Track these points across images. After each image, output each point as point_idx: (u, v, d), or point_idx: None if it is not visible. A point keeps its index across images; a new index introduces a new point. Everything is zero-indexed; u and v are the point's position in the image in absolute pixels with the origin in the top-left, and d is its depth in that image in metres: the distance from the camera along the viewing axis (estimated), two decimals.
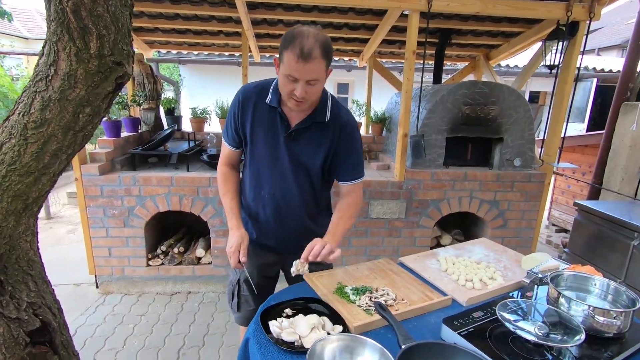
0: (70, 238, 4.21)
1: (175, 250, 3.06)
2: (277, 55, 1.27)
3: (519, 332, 0.95)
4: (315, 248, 1.26)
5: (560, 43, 2.81)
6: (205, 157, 3.21)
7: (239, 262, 1.36)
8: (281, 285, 1.52)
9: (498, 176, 3.08)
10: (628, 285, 2.28)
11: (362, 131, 4.34)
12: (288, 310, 1.16)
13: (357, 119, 2.67)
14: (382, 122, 3.89)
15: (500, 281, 1.38)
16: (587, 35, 2.80)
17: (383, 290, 1.28)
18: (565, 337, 0.95)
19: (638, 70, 3.27)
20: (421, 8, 2.62)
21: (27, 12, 12.23)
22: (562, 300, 1.09)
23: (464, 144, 3.22)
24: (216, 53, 5.47)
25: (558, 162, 3.07)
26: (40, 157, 0.96)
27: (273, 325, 1.05)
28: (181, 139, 3.71)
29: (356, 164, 1.45)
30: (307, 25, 1.21)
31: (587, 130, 9.64)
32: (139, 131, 3.48)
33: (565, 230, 4.59)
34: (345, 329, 1.07)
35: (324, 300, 1.22)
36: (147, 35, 3.95)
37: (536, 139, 3.25)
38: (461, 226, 3.63)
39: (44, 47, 0.91)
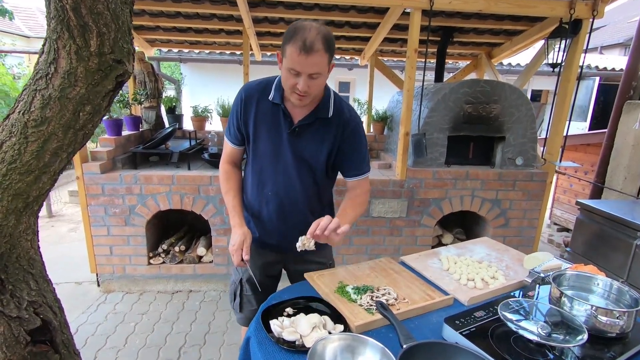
0: (71, 236, 4.21)
1: (177, 248, 3.06)
2: (278, 56, 1.27)
3: (521, 331, 0.95)
4: (322, 222, 1.21)
5: (563, 41, 2.79)
6: (206, 155, 3.20)
7: (242, 260, 1.35)
8: (283, 284, 1.52)
9: (500, 175, 3.07)
10: (630, 284, 2.27)
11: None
12: (289, 310, 1.15)
13: None
14: (384, 121, 3.88)
15: (502, 280, 1.38)
16: (590, 33, 2.78)
17: (384, 289, 1.27)
18: (567, 337, 0.94)
19: None
20: (423, 6, 2.61)
21: (29, 10, 12.24)
22: (564, 299, 1.09)
23: (465, 142, 3.21)
24: (217, 51, 5.47)
25: (560, 161, 3.06)
26: (41, 156, 0.96)
27: (274, 324, 1.05)
28: (182, 137, 3.71)
29: (362, 159, 1.45)
30: (310, 20, 1.21)
31: (589, 129, 9.61)
32: (140, 130, 3.48)
33: (567, 230, 4.58)
34: (347, 329, 1.06)
35: (325, 300, 1.21)
36: (148, 34, 3.95)
37: (538, 137, 3.23)
38: (462, 225, 3.63)
39: (44, 45, 0.90)
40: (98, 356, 2.32)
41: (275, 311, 1.15)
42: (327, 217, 1.22)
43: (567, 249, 2.87)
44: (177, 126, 3.47)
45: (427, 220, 3.12)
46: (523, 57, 7.61)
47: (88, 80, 0.92)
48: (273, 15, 3.36)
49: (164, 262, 3.03)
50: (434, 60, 3.93)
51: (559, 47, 2.83)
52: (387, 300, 1.20)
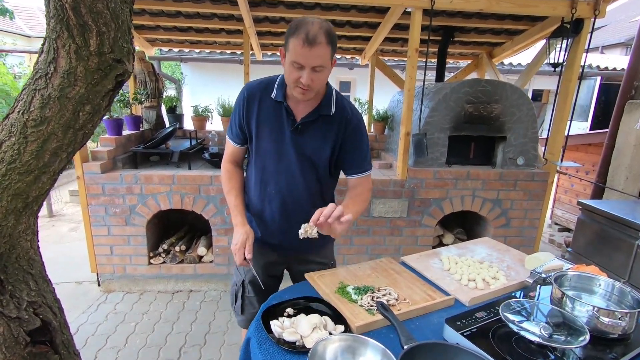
0: (72, 236, 4.21)
1: (177, 248, 3.06)
2: (281, 51, 1.27)
3: (522, 332, 0.94)
4: (325, 210, 1.19)
5: (565, 41, 2.79)
6: (207, 155, 3.20)
7: (245, 259, 1.34)
8: (285, 285, 1.51)
9: (501, 175, 3.06)
10: (632, 285, 2.26)
11: None
12: (290, 310, 1.15)
13: None
14: (385, 121, 3.88)
15: (503, 281, 1.37)
16: (591, 32, 2.77)
17: (385, 289, 1.27)
18: (569, 338, 0.94)
19: None
20: (424, 5, 2.60)
21: (29, 9, 12.25)
22: (566, 300, 1.08)
23: (466, 142, 3.20)
24: (218, 51, 5.47)
25: (561, 160, 3.05)
26: (40, 156, 0.95)
27: (274, 324, 1.05)
28: (183, 137, 3.70)
29: (363, 157, 1.45)
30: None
31: (590, 129, 9.59)
32: (141, 129, 3.48)
33: (568, 230, 4.57)
34: (347, 329, 1.06)
35: (325, 300, 1.21)
36: (148, 33, 3.94)
37: (539, 137, 3.23)
38: (463, 225, 3.62)
39: (43, 44, 0.90)
40: (98, 356, 2.32)
41: (276, 311, 1.14)
42: (330, 205, 1.20)
43: (568, 249, 2.86)
44: (177, 126, 3.47)
45: (428, 220, 3.12)
46: (524, 56, 7.59)
47: (88, 80, 0.92)
48: (274, 15, 3.35)
49: (164, 262, 3.03)
50: (434, 60, 3.92)
51: (561, 47, 2.82)
52: (387, 301, 1.20)
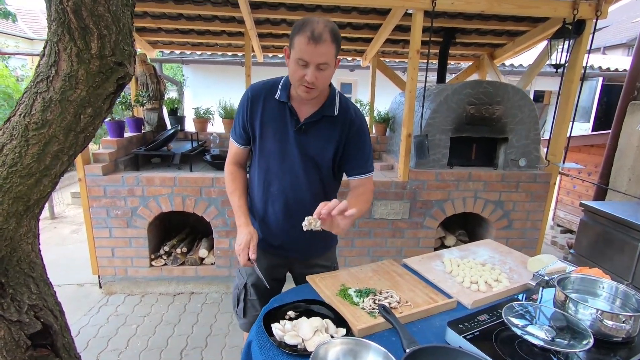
0: (74, 238, 4.22)
1: (178, 250, 3.06)
2: (285, 51, 1.28)
3: (525, 336, 0.94)
4: (330, 203, 1.19)
5: (566, 42, 2.78)
6: (208, 157, 3.20)
7: (249, 259, 1.34)
8: (287, 288, 1.51)
9: (503, 176, 3.06)
10: (635, 287, 2.25)
11: None
12: (291, 313, 1.15)
13: None
14: (386, 122, 3.87)
15: (505, 283, 1.37)
16: (593, 33, 2.76)
17: (387, 292, 1.26)
18: (572, 342, 0.93)
19: None
20: (425, 7, 2.60)
21: (32, 12, 12.30)
22: (569, 303, 1.07)
23: (468, 144, 3.20)
24: (219, 53, 5.47)
25: (564, 162, 3.04)
26: (42, 159, 0.95)
27: (276, 327, 1.04)
28: (184, 139, 3.71)
29: (366, 158, 1.45)
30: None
31: (592, 130, 9.57)
32: (142, 131, 3.48)
33: (571, 231, 4.55)
34: (349, 332, 1.05)
35: (327, 303, 1.21)
36: (150, 36, 3.95)
37: (541, 138, 3.21)
38: (465, 227, 3.61)
39: (44, 47, 0.90)
40: (100, 359, 2.32)
41: (277, 314, 1.14)
42: (334, 200, 1.20)
43: (571, 251, 2.85)
44: (179, 128, 3.48)
45: (430, 222, 3.11)
46: (525, 58, 7.59)
47: (89, 83, 0.91)
48: (275, 17, 3.36)
49: (165, 264, 3.03)
50: (436, 61, 3.92)
51: (562, 48, 2.81)
52: (389, 304, 1.19)
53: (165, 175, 2.83)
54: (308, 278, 1.39)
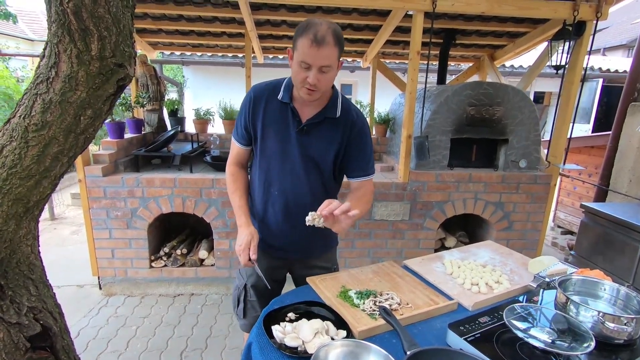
0: (74, 239, 4.22)
1: (178, 251, 3.05)
2: (289, 52, 1.28)
3: (527, 338, 0.93)
4: (333, 203, 1.19)
5: (567, 43, 2.78)
6: (208, 158, 3.20)
7: (250, 259, 1.34)
8: (287, 289, 1.50)
9: (503, 178, 3.05)
10: (636, 288, 2.25)
11: None
12: (291, 315, 1.14)
13: None
14: (386, 123, 3.87)
15: (506, 285, 1.36)
16: (593, 35, 2.76)
17: (387, 294, 1.26)
18: (573, 344, 0.93)
19: None
20: (425, 8, 2.60)
21: (33, 14, 12.32)
22: (570, 305, 1.07)
23: (468, 145, 3.19)
24: (220, 54, 5.48)
25: (564, 163, 3.04)
26: (41, 160, 0.95)
27: (276, 329, 1.04)
28: (184, 140, 3.71)
29: (367, 160, 1.45)
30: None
31: (592, 131, 9.57)
32: (143, 132, 3.48)
33: (571, 233, 4.54)
34: (349, 334, 1.05)
35: (327, 305, 1.20)
36: (150, 37, 3.96)
37: (542, 140, 3.21)
38: (465, 228, 3.60)
39: (45, 48, 0.90)
40: None
41: (277, 316, 1.13)
42: (337, 201, 1.21)
43: (572, 252, 2.84)
44: (179, 129, 3.48)
45: (430, 223, 3.10)
46: (525, 59, 7.59)
47: (89, 84, 0.91)
48: (275, 18, 3.36)
49: (165, 265, 3.02)
50: (436, 63, 3.92)
51: (562, 49, 2.81)
52: (390, 305, 1.19)
53: (165, 176, 2.83)
54: (308, 279, 1.39)
